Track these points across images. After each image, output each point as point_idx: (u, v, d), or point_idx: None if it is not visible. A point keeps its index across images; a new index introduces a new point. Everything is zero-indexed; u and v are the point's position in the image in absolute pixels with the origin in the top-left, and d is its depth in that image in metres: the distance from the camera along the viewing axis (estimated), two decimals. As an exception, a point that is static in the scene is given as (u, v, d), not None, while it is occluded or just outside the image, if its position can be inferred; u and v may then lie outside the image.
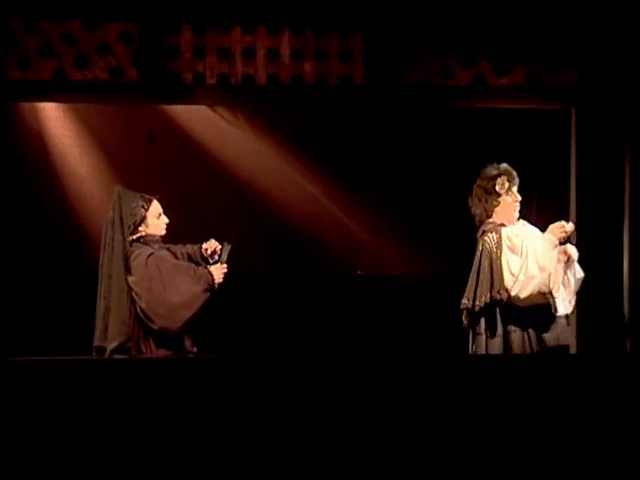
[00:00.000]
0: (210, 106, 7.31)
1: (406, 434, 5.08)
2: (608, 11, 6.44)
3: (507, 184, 6.25)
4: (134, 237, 6.04)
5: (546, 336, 6.10)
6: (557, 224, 6.16)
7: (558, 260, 6.05)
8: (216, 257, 6.11)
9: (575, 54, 6.46)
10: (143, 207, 6.08)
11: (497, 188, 6.25)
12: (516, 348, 6.06)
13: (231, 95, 6.54)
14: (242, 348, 6.71)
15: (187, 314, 5.94)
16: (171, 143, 7.46)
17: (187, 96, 6.54)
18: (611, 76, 6.44)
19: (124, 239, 6.02)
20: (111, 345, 5.97)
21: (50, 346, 6.31)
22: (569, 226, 6.16)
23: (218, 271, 6.01)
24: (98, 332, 6.02)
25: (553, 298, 6.06)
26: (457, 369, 5.29)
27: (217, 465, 5.03)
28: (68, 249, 7.32)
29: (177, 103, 6.99)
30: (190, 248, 6.21)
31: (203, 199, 7.40)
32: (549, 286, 6.06)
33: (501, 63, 6.43)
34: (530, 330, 6.13)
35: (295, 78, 6.43)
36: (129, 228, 6.03)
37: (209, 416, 5.05)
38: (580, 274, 6.15)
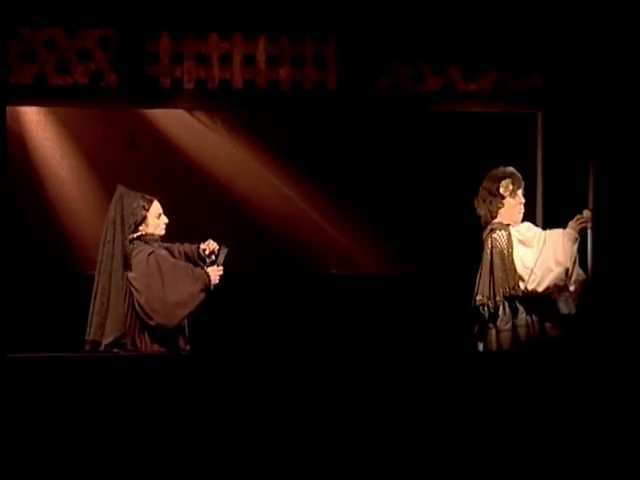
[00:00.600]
0: (188, 110, 7.37)
1: (384, 431, 5.15)
2: (573, 17, 6.51)
3: (511, 187, 6.40)
4: (134, 236, 6.17)
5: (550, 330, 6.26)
6: (575, 219, 6.32)
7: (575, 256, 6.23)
8: (213, 257, 6.25)
9: (541, 60, 6.53)
10: (144, 207, 6.22)
11: (501, 190, 6.40)
12: (523, 341, 6.21)
13: (208, 100, 6.59)
14: (218, 347, 6.78)
15: (183, 312, 6.10)
16: (150, 146, 7.51)
17: (165, 100, 6.60)
18: (576, 81, 6.54)
19: (124, 237, 6.15)
20: (106, 340, 6.10)
21: (30, 345, 6.38)
22: (586, 213, 6.31)
23: (214, 273, 6.18)
24: (93, 327, 6.14)
25: (568, 292, 6.22)
26: (432, 366, 5.36)
27: (198, 459, 5.11)
28: (49, 250, 7.38)
29: (156, 107, 7.04)
30: (188, 247, 6.35)
31: (181, 201, 7.40)
32: (565, 280, 6.22)
33: (470, 69, 6.51)
34: (537, 324, 6.28)
35: (271, 83, 6.50)
36: (130, 227, 6.16)
37: (190, 410, 5.12)
38: (582, 276, 6.33)
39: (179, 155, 7.52)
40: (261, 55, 6.50)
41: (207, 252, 6.25)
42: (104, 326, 6.13)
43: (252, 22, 6.50)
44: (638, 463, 5.11)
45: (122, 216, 6.19)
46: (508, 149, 7.03)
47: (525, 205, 6.51)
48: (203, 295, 6.14)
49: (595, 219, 6.41)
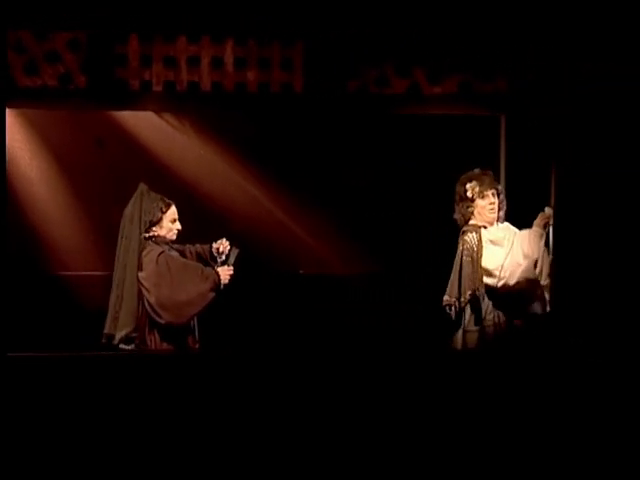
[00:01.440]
0: (156, 112, 7.40)
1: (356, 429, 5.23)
2: (536, 21, 6.58)
3: (478, 188, 6.48)
4: (147, 235, 6.26)
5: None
6: (539, 216, 6.44)
7: (544, 250, 6.35)
8: (223, 257, 6.33)
9: (505, 64, 6.61)
10: (161, 209, 6.33)
11: (468, 194, 6.49)
12: (490, 341, 6.30)
13: (176, 102, 6.60)
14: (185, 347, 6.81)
15: (193, 311, 6.21)
16: (118, 148, 7.52)
17: (134, 102, 6.63)
18: (539, 84, 6.63)
19: (141, 234, 6.24)
20: (120, 333, 6.21)
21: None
22: (547, 210, 6.44)
23: (225, 272, 6.29)
24: (109, 320, 6.27)
25: (540, 285, 6.31)
26: (400, 366, 5.44)
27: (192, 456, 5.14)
28: (18, 251, 7.37)
29: (124, 109, 7.07)
30: (199, 247, 6.47)
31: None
32: (534, 272, 6.33)
33: (435, 72, 6.59)
34: (504, 325, 6.38)
35: (238, 86, 6.54)
36: (145, 225, 6.27)
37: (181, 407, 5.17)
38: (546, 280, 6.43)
39: (147, 156, 7.54)
40: (229, 58, 6.54)
41: (220, 250, 6.33)
42: (117, 319, 6.23)
43: (220, 25, 6.55)
44: (612, 457, 5.19)
45: (140, 214, 6.29)
46: (472, 151, 7.11)
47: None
48: (213, 294, 6.25)
49: (556, 219, 6.51)
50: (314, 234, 7.67)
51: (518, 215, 6.60)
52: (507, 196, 6.80)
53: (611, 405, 5.29)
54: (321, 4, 6.54)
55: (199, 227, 7.45)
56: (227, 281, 6.28)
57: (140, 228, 6.28)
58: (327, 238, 7.67)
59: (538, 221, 6.48)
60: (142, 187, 6.39)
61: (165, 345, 6.22)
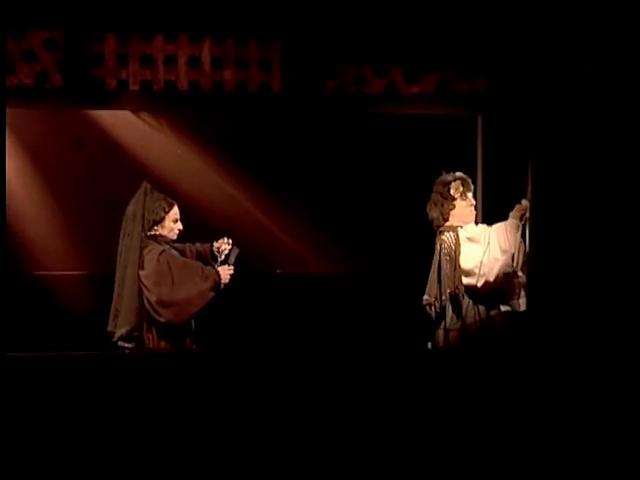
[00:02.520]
0: (133, 111, 7.36)
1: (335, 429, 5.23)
2: (514, 21, 6.62)
3: (461, 188, 6.52)
4: (149, 234, 6.25)
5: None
6: (515, 207, 6.49)
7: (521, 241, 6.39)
8: (223, 256, 6.34)
9: (482, 64, 6.67)
10: (164, 209, 6.33)
11: (452, 192, 6.52)
12: (472, 339, 6.33)
13: (154, 101, 6.63)
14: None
15: (192, 310, 6.23)
16: (95, 147, 7.49)
17: (111, 102, 6.64)
18: (515, 84, 6.67)
19: (143, 233, 6.24)
20: (120, 331, 6.21)
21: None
22: (524, 202, 6.50)
23: (225, 272, 6.30)
24: (110, 318, 6.27)
25: (518, 279, 6.35)
26: (378, 365, 5.42)
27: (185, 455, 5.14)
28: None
29: (101, 108, 7.05)
30: (200, 246, 6.47)
31: (127, 201, 7.45)
32: (512, 266, 6.37)
33: (412, 72, 6.63)
34: (484, 321, 6.41)
35: (216, 85, 6.57)
36: (148, 223, 6.27)
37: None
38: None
39: (125, 156, 7.52)
40: (206, 57, 6.56)
41: (221, 249, 6.33)
42: (118, 317, 6.24)
43: (197, 24, 6.55)
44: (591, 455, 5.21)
45: (143, 212, 6.30)
46: (449, 150, 7.14)
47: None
48: (212, 293, 6.27)
49: (533, 217, 6.56)
50: (292, 233, 7.68)
51: (494, 215, 6.62)
52: (484, 197, 6.85)
53: (595, 400, 5.32)
54: (299, 4, 6.55)
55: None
56: (227, 280, 6.30)
57: (143, 226, 6.29)
58: (305, 237, 7.67)
59: (515, 213, 6.53)
60: (146, 186, 6.40)
61: (163, 344, 6.24)
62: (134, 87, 6.53)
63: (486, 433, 5.21)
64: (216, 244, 6.44)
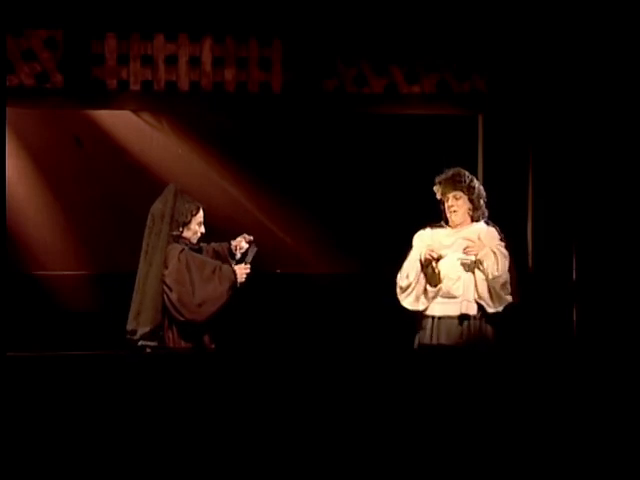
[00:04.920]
0: (134, 111, 7.37)
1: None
2: (514, 21, 6.62)
3: (441, 190, 6.50)
4: (174, 234, 6.29)
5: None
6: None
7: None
8: (239, 254, 6.35)
9: (482, 64, 6.66)
10: (192, 212, 6.35)
11: (437, 196, 6.53)
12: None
13: (154, 101, 6.63)
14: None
15: (211, 309, 6.22)
16: (96, 147, 7.50)
17: (112, 102, 6.64)
18: (516, 84, 6.67)
19: (170, 233, 6.27)
20: (143, 329, 6.22)
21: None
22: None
23: (242, 270, 6.30)
24: (131, 315, 6.26)
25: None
26: (379, 365, 5.42)
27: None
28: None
29: (102, 108, 7.04)
30: (217, 245, 6.48)
31: (127, 201, 7.47)
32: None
33: (413, 72, 6.62)
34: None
35: (216, 85, 6.58)
36: (176, 224, 6.29)
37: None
38: (493, 274, 6.41)
39: (125, 155, 7.52)
40: (207, 57, 6.56)
41: (237, 249, 6.33)
42: (140, 315, 6.25)
43: (198, 23, 6.55)
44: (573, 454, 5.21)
45: (172, 213, 6.31)
46: (449, 150, 7.14)
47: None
48: (230, 292, 6.27)
49: (534, 217, 6.56)
50: (292, 233, 7.67)
51: (496, 213, 6.61)
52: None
53: (586, 397, 5.32)
54: (299, 4, 6.55)
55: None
56: (243, 279, 6.30)
57: (170, 227, 6.30)
58: (305, 237, 7.67)
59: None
60: (174, 187, 6.40)
61: (182, 343, 6.26)
62: (135, 87, 6.53)
63: (478, 432, 5.21)
64: (233, 243, 6.45)
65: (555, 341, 6.36)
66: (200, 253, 6.43)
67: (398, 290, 6.45)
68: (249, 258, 6.36)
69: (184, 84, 6.56)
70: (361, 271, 7.56)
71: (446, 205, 6.48)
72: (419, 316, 6.45)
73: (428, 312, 6.40)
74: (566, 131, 6.66)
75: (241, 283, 6.30)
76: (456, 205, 6.46)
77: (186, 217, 6.33)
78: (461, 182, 6.42)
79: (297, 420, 5.22)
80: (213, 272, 6.27)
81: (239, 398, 5.24)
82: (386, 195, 7.53)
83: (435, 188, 6.49)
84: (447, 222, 6.51)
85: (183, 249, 6.29)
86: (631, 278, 6.56)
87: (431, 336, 6.35)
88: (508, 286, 6.37)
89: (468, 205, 6.47)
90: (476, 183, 6.50)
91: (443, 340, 6.31)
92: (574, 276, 6.66)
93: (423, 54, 6.64)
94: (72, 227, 7.54)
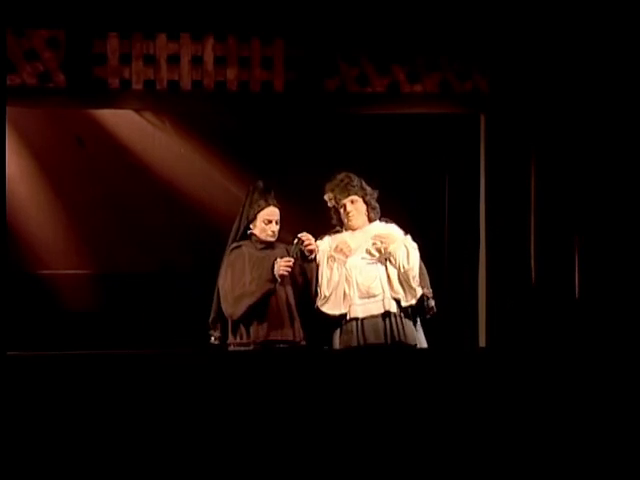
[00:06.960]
0: (136, 111, 7.37)
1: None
2: (516, 21, 6.64)
3: (334, 197, 6.43)
4: (248, 232, 6.34)
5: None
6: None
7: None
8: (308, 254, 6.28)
9: (484, 63, 6.68)
10: (259, 206, 6.31)
11: (329, 205, 6.47)
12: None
13: (157, 100, 6.65)
14: (172, 344, 6.82)
15: (249, 302, 6.21)
16: (98, 146, 7.50)
17: (114, 101, 6.66)
18: (518, 84, 6.68)
19: (237, 228, 6.33)
20: (210, 318, 6.38)
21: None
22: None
23: (282, 263, 6.24)
24: (212, 311, 6.36)
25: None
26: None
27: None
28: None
29: (104, 108, 7.06)
30: (289, 247, 6.35)
31: (129, 201, 7.49)
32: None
33: (415, 71, 6.64)
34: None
35: (218, 84, 6.59)
36: (246, 219, 6.34)
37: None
38: (405, 267, 6.31)
39: (127, 155, 7.51)
40: (209, 56, 6.57)
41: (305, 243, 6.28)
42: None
43: (200, 23, 6.57)
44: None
45: (242, 209, 6.36)
46: (451, 150, 7.15)
47: (463, 204, 6.59)
48: (269, 285, 6.22)
49: (536, 216, 6.56)
50: (292, 233, 7.66)
51: (497, 214, 6.62)
52: (487, 195, 6.82)
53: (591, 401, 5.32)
54: (301, 3, 6.56)
55: (178, 225, 7.48)
56: (283, 272, 6.23)
57: (239, 222, 6.34)
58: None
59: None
60: (258, 183, 6.42)
61: (232, 339, 6.28)
62: (137, 86, 6.55)
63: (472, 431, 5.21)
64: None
65: (559, 352, 6.35)
66: (272, 251, 6.35)
67: (318, 300, 6.34)
68: (293, 251, 6.30)
69: (186, 83, 6.57)
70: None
71: (342, 211, 6.42)
72: (342, 321, 6.32)
73: (351, 315, 6.30)
74: (569, 131, 6.67)
75: (281, 276, 6.24)
76: (354, 209, 6.40)
77: (250, 213, 6.33)
78: (354, 185, 6.38)
79: (298, 422, 5.20)
80: (253, 267, 6.25)
81: (237, 398, 5.22)
82: (386, 195, 7.52)
83: (327, 196, 6.42)
84: (342, 227, 6.47)
85: (235, 247, 6.29)
86: (634, 280, 6.56)
87: (358, 338, 6.25)
88: (418, 278, 6.31)
89: (365, 207, 6.44)
90: (364, 183, 6.45)
91: (371, 340, 6.22)
92: (576, 276, 6.67)
93: (425, 53, 6.66)
94: (74, 226, 7.54)
